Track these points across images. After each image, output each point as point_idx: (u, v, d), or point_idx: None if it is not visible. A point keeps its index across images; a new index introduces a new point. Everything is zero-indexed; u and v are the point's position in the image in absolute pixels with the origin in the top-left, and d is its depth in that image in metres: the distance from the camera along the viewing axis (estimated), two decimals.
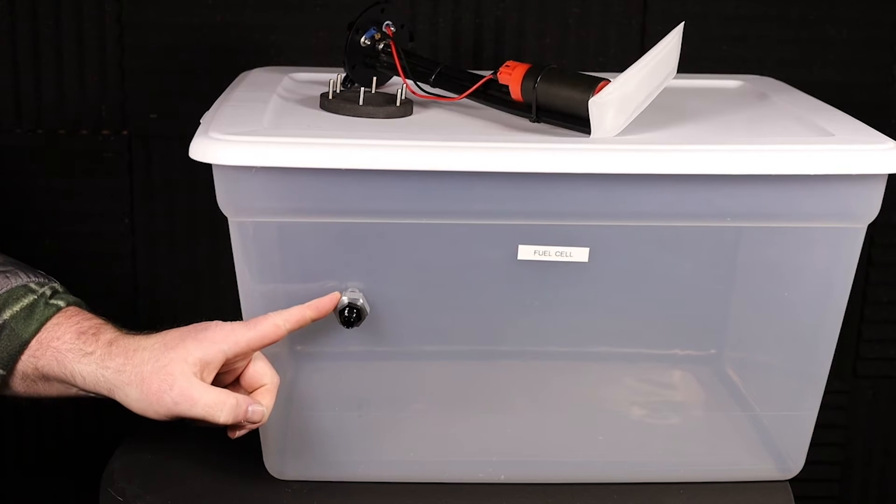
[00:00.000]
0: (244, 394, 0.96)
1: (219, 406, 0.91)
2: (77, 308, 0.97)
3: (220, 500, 1.04)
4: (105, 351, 0.93)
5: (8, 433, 1.49)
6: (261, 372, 0.96)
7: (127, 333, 0.95)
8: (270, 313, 0.95)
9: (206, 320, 0.95)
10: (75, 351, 0.93)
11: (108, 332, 0.95)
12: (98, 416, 1.48)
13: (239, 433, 0.95)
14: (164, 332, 0.94)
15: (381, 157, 0.91)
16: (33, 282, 0.97)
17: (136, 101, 1.40)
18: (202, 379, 0.92)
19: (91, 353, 0.93)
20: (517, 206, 0.95)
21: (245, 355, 0.95)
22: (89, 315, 0.97)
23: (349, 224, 0.96)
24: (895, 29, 1.42)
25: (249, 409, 0.93)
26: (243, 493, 1.04)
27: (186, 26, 1.38)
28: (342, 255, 0.98)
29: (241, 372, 0.96)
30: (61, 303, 0.96)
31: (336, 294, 0.97)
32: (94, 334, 0.94)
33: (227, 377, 0.96)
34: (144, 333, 0.95)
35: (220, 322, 0.95)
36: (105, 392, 0.92)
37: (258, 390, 0.96)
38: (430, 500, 1.04)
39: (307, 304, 0.96)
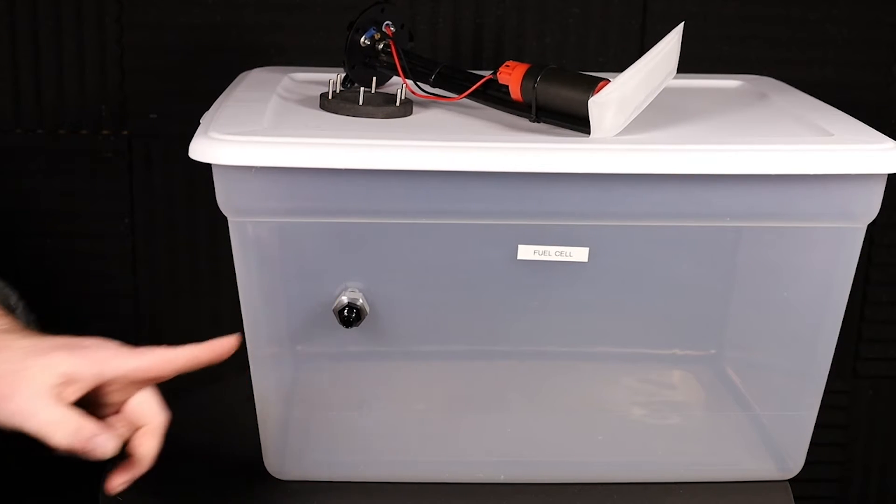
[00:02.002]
0: (124, 428, 0.86)
1: (55, 425, 0.81)
2: None
3: (220, 500, 1.04)
4: None
5: (9, 433, 1.49)
6: (140, 410, 0.86)
7: (16, 331, 0.87)
8: (163, 347, 0.86)
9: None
10: None
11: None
12: None
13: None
14: (47, 336, 0.85)
15: (381, 157, 0.91)
16: None
17: (136, 101, 1.40)
18: (61, 396, 0.82)
19: None
20: (517, 206, 0.95)
21: (123, 386, 0.85)
22: None
23: (349, 224, 0.96)
24: (895, 29, 1.42)
25: (95, 438, 0.81)
26: (243, 493, 1.04)
27: (186, 26, 1.38)
28: (342, 255, 0.98)
29: (119, 408, 0.87)
30: None
31: (233, 340, 0.87)
32: None
33: (104, 409, 0.87)
34: (37, 334, 0.86)
35: (106, 341, 0.85)
36: None
37: (140, 431, 0.86)
38: (430, 500, 1.04)
39: (204, 343, 0.87)
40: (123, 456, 0.86)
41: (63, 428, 0.81)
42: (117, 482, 0.86)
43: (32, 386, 0.81)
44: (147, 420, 0.86)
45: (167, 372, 0.86)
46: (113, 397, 0.86)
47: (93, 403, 0.85)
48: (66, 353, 0.83)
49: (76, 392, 0.83)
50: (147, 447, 0.86)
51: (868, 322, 1.50)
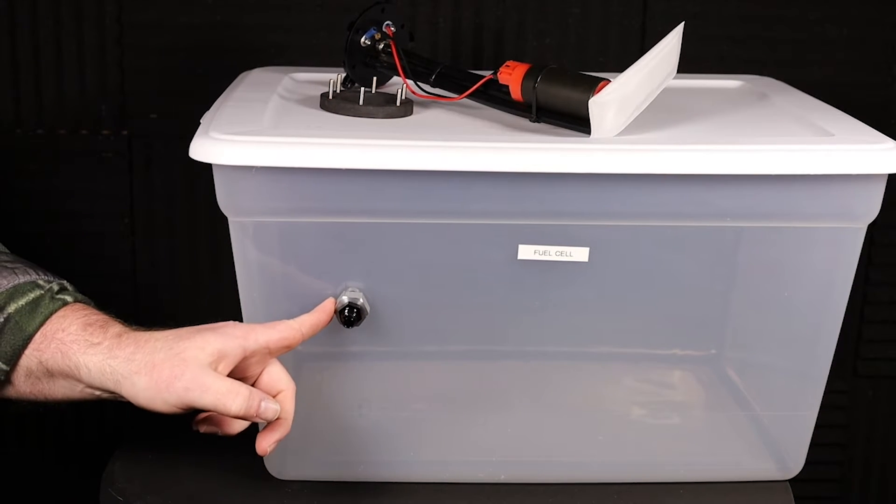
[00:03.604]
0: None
1: (231, 395, 0.88)
2: (84, 304, 0.96)
3: (220, 500, 1.04)
4: (114, 342, 0.91)
5: (9, 433, 1.49)
6: (276, 377, 0.94)
7: (136, 328, 0.94)
8: (285, 320, 0.94)
9: (208, 321, 0.94)
10: (81, 342, 0.91)
11: (117, 326, 0.93)
12: (98, 416, 1.48)
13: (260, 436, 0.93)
14: (178, 328, 0.93)
15: (381, 157, 0.91)
16: (41, 279, 0.96)
17: (136, 101, 1.40)
18: (217, 370, 0.90)
19: (98, 344, 0.91)
20: (517, 206, 0.95)
21: (261, 357, 0.93)
22: (96, 311, 0.95)
23: (349, 224, 0.96)
24: (895, 29, 1.42)
25: (262, 403, 0.90)
26: (243, 493, 1.04)
27: (186, 26, 1.38)
28: (342, 255, 0.98)
29: (257, 379, 0.94)
30: (68, 298, 0.95)
31: (330, 299, 0.97)
32: (101, 326, 0.92)
33: (246, 382, 0.94)
34: (155, 329, 0.93)
35: (238, 322, 0.94)
36: (111, 385, 0.90)
37: (276, 397, 0.94)
38: (431, 500, 1.04)
39: (315, 309, 0.96)
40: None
41: (236, 397, 0.89)
42: (267, 443, 0.93)
43: (195, 364, 0.89)
44: (283, 386, 0.94)
45: (297, 340, 0.94)
46: (252, 369, 0.94)
47: (236, 377, 0.91)
48: (211, 333, 0.91)
49: (227, 367, 0.91)
50: (289, 409, 0.93)
51: (868, 322, 1.50)
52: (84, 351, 0.91)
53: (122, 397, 0.91)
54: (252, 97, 1.06)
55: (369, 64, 1.10)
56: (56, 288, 0.96)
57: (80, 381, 0.92)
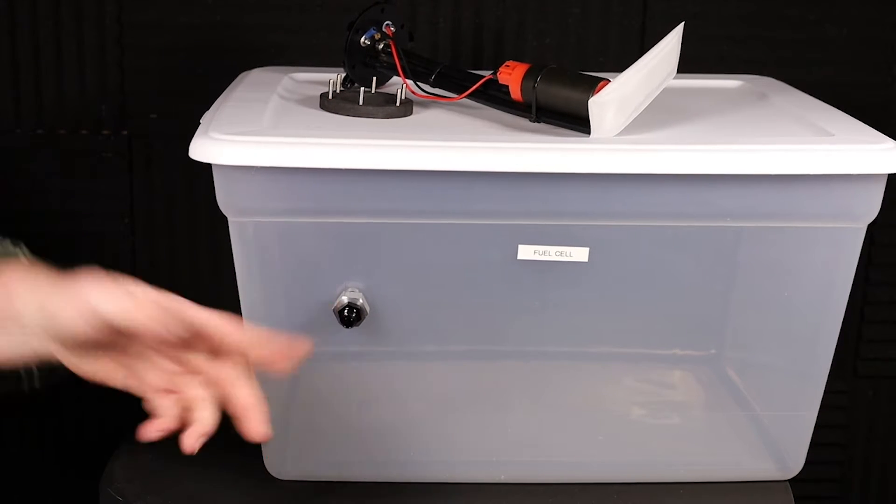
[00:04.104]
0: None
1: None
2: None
3: (220, 500, 1.04)
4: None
5: (9, 433, 1.49)
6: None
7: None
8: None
9: None
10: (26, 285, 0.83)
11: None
12: (98, 416, 1.48)
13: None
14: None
15: (381, 157, 0.91)
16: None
17: (136, 101, 1.40)
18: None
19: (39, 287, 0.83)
20: (517, 206, 0.95)
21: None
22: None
23: (349, 224, 0.96)
24: (895, 29, 1.42)
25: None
26: (243, 493, 1.04)
27: (186, 26, 1.38)
28: (342, 255, 0.98)
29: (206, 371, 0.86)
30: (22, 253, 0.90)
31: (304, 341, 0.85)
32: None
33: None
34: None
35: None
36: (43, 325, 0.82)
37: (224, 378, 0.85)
38: (430, 500, 1.04)
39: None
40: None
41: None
42: (258, 426, 0.83)
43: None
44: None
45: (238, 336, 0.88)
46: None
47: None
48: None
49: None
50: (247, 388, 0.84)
51: (868, 322, 1.50)
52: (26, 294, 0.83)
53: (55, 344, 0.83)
54: (252, 97, 1.06)
55: (369, 64, 1.10)
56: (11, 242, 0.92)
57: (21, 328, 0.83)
